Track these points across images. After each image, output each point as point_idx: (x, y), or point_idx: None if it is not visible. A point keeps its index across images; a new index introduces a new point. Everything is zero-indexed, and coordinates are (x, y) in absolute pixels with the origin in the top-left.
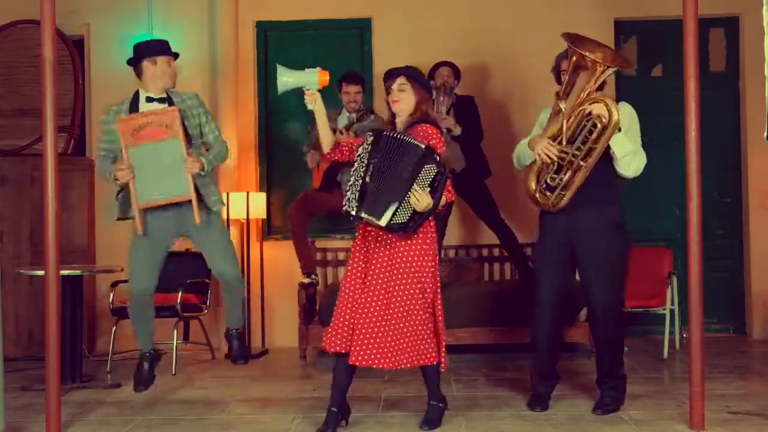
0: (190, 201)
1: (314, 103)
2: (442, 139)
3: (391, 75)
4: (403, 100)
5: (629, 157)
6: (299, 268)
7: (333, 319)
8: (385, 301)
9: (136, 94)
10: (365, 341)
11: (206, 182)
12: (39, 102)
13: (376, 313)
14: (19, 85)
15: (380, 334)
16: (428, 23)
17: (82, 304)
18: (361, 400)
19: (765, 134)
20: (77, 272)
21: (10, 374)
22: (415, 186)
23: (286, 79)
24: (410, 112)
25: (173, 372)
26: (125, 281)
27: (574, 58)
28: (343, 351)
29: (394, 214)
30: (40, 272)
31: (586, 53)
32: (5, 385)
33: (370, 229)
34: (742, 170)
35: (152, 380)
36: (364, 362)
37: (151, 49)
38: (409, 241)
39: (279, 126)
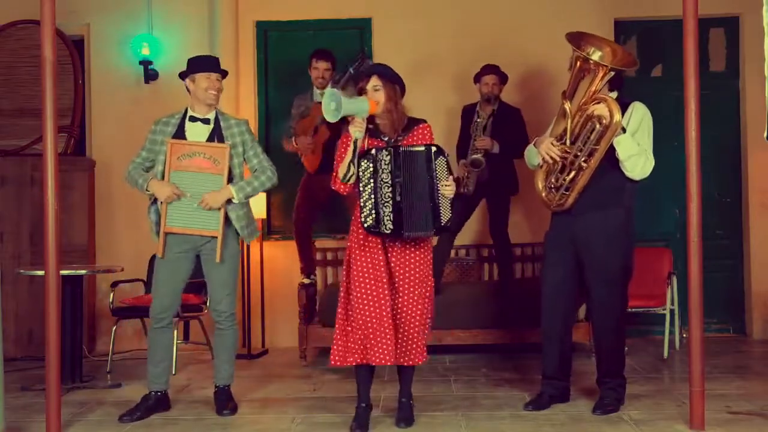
0: (216, 237)
1: (362, 132)
2: (433, 135)
3: (362, 75)
4: (381, 101)
5: (634, 158)
6: (299, 268)
7: (371, 332)
8: (408, 301)
9: (185, 112)
10: (411, 342)
11: (243, 214)
12: (39, 102)
13: (411, 314)
14: (19, 85)
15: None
16: (428, 23)
17: (82, 304)
18: None
19: (765, 134)
20: (77, 272)
21: (10, 374)
22: (439, 183)
23: (345, 107)
24: (383, 109)
25: (173, 372)
26: (125, 281)
27: (578, 60)
28: (391, 362)
29: (439, 218)
30: (40, 272)
31: (587, 55)
32: (5, 385)
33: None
34: (742, 170)
35: (143, 418)
36: (421, 360)
37: (191, 66)
38: (420, 242)
39: (279, 126)
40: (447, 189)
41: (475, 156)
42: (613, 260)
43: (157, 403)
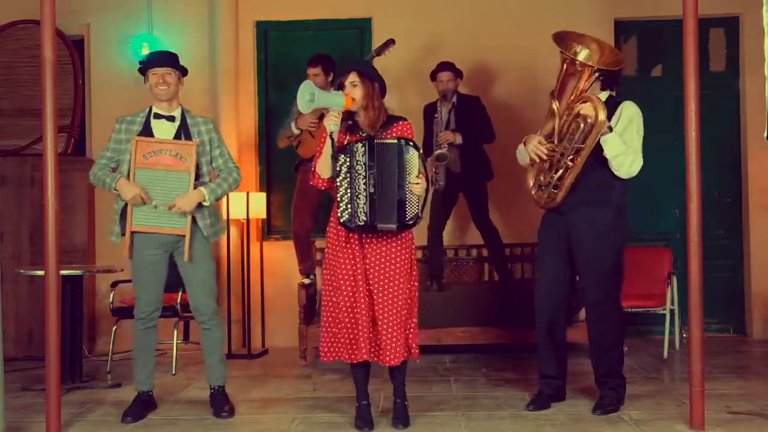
0: (184, 236)
1: (337, 125)
2: (413, 133)
3: (342, 72)
4: (357, 98)
5: (621, 158)
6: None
7: (346, 331)
8: (388, 297)
9: (150, 110)
10: (391, 339)
11: (208, 212)
12: (39, 102)
13: (392, 310)
14: (19, 85)
15: (399, 330)
16: (428, 23)
17: (82, 304)
18: None
19: (765, 134)
20: (77, 272)
21: (10, 374)
22: (408, 178)
23: (319, 99)
24: (360, 105)
25: (173, 372)
26: (125, 281)
27: (564, 61)
28: (370, 359)
29: (404, 212)
30: (40, 272)
31: (572, 55)
32: (5, 385)
33: (354, 238)
34: (742, 170)
35: (143, 417)
36: (396, 361)
37: (148, 61)
38: (396, 238)
39: (279, 126)
40: (416, 186)
41: (439, 151)
42: (604, 257)
43: (149, 400)
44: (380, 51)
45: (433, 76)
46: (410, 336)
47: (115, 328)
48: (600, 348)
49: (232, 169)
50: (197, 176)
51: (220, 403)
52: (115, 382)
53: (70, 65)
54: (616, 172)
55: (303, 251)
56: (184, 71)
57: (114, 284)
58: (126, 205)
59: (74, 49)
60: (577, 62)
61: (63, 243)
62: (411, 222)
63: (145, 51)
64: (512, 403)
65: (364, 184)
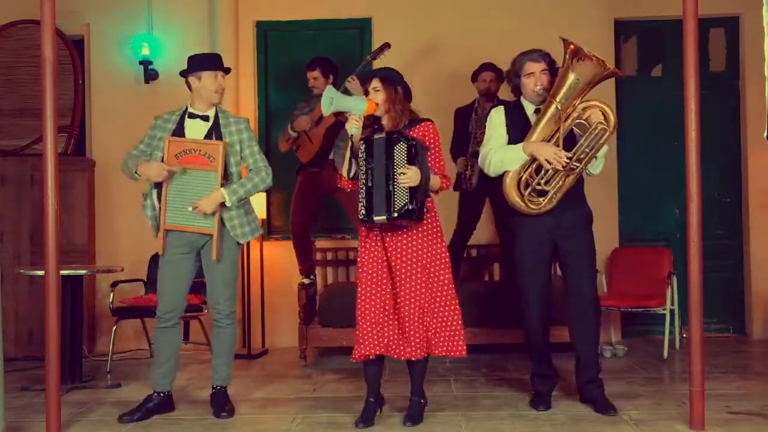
0: (212, 235)
1: (359, 129)
2: (438, 136)
3: (366, 78)
4: (380, 102)
5: (603, 158)
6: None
7: (363, 325)
8: (412, 293)
9: (186, 109)
10: (414, 335)
11: (236, 214)
12: (39, 102)
13: (410, 307)
14: (19, 85)
15: (417, 326)
16: (428, 23)
17: (82, 304)
18: (360, 400)
19: (765, 134)
20: (77, 272)
21: (10, 374)
22: (395, 169)
23: (338, 102)
24: (383, 109)
25: None
26: (125, 281)
27: (572, 58)
28: (381, 353)
29: (393, 202)
30: (40, 272)
31: (597, 57)
32: (5, 385)
33: (375, 232)
34: (742, 170)
35: (144, 419)
36: (414, 355)
37: (196, 64)
38: (420, 234)
39: (279, 126)
40: (403, 177)
41: (477, 149)
42: (594, 254)
43: (159, 404)
44: (376, 55)
45: (475, 76)
46: (456, 332)
47: (115, 328)
48: (595, 347)
49: (260, 168)
50: (226, 175)
51: (221, 403)
52: (115, 382)
53: (70, 65)
54: (594, 171)
55: (303, 252)
56: (228, 71)
57: (114, 284)
58: (159, 202)
59: (74, 49)
60: (594, 58)
61: (63, 243)
62: (401, 213)
63: (146, 51)
64: (512, 403)
65: (364, 179)
